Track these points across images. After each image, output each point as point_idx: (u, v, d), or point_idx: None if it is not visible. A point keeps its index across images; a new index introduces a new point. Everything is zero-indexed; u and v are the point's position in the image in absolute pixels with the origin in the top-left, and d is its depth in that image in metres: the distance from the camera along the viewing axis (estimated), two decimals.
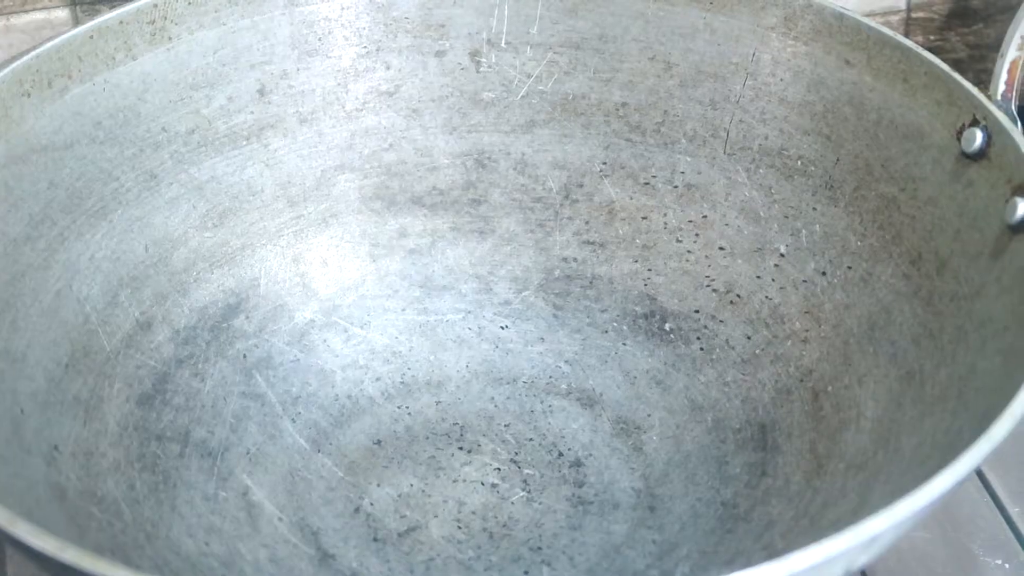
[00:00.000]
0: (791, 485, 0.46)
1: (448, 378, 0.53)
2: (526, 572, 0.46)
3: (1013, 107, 0.59)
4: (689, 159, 0.54)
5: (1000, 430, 0.34)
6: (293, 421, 0.50)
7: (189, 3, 0.52)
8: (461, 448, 0.50)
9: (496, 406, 0.52)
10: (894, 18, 0.69)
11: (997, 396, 0.37)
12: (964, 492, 0.50)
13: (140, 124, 0.51)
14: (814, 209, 0.51)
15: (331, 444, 0.50)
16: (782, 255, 0.52)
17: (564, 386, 0.53)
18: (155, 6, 0.51)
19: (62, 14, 0.61)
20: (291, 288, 0.54)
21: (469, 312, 0.55)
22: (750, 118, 0.53)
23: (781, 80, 0.53)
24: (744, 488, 0.47)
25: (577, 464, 0.50)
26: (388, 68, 0.55)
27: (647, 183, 0.55)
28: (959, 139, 0.46)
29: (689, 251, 0.54)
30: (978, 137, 0.45)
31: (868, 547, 0.32)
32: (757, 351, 0.51)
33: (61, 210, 0.48)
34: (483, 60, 0.56)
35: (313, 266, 0.55)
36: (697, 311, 0.53)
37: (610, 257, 0.55)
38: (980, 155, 0.45)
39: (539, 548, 0.46)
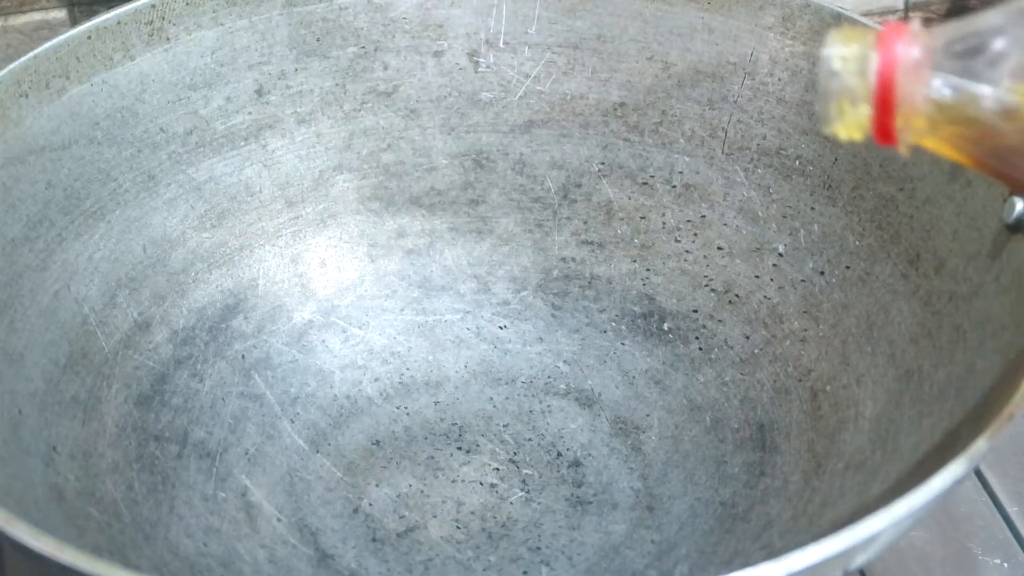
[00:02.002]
0: (789, 485, 0.46)
1: (447, 378, 0.53)
2: (525, 572, 0.46)
3: None
4: (687, 159, 0.54)
5: (998, 430, 0.34)
6: (292, 421, 0.50)
7: (187, 3, 0.52)
8: (460, 448, 0.50)
9: (495, 406, 0.52)
10: (892, 17, 0.69)
11: (995, 395, 0.37)
12: (962, 491, 0.50)
13: (138, 125, 0.51)
14: (812, 209, 0.51)
15: (330, 444, 0.50)
16: (780, 255, 0.52)
17: (563, 386, 0.53)
18: (153, 7, 0.51)
19: (60, 14, 0.61)
20: (289, 288, 0.54)
21: (467, 312, 0.55)
22: (748, 118, 0.53)
23: (779, 80, 0.53)
24: (743, 488, 0.47)
25: (576, 464, 0.50)
26: (386, 68, 0.55)
27: (645, 183, 0.55)
28: None
29: (687, 251, 0.54)
30: None
31: (866, 547, 0.32)
32: (756, 351, 0.51)
33: (59, 211, 0.48)
34: (481, 60, 0.56)
35: (311, 266, 0.55)
36: (696, 311, 0.53)
37: (608, 257, 0.55)
38: None
39: (538, 548, 0.46)
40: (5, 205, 0.46)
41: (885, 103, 0.32)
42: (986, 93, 0.32)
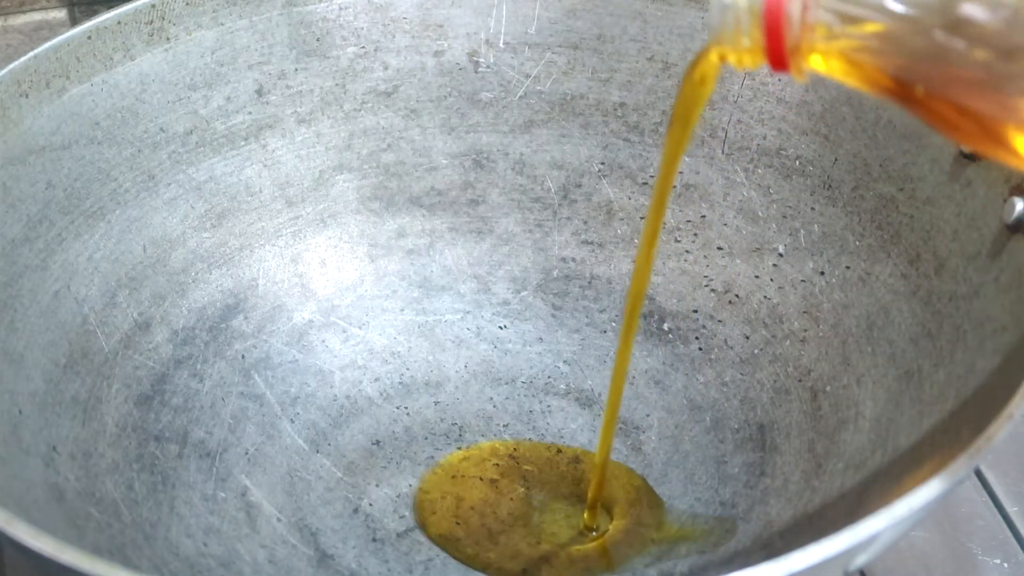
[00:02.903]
0: (790, 485, 0.46)
1: (447, 378, 0.53)
2: (524, 571, 0.46)
3: None
4: (687, 159, 0.54)
5: (998, 430, 0.34)
6: (292, 421, 0.50)
7: (187, 3, 0.52)
8: (460, 448, 0.50)
9: (495, 406, 0.52)
10: None
11: (995, 395, 0.37)
12: (963, 491, 0.50)
13: (138, 124, 0.51)
14: (812, 209, 0.51)
15: (330, 444, 0.50)
16: (780, 255, 0.52)
17: (563, 386, 0.53)
18: (153, 6, 0.51)
19: (60, 14, 0.61)
20: (289, 288, 0.54)
21: (468, 312, 0.55)
22: (748, 118, 0.53)
23: (779, 80, 0.53)
24: (743, 488, 0.47)
25: (576, 462, 0.50)
26: (386, 68, 0.55)
27: (645, 183, 0.55)
28: None
29: (687, 251, 0.54)
30: None
31: (866, 547, 0.32)
32: (756, 351, 0.51)
33: (59, 211, 0.48)
34: (481, 60, 0.56)
35: (311, 266, 0.55)
36: (695, 311, 0.53)
37: (608, 257, 0.55)
38: (978, 155, 0.45)
39: (538, 544, 0.46)
40: (5, 205, 0.46)
41: (774, 30, 0.33)
42: (869, 14, 0.32)
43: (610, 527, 0.46)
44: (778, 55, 0.34)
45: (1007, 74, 0.31)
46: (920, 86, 0.32)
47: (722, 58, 0.35)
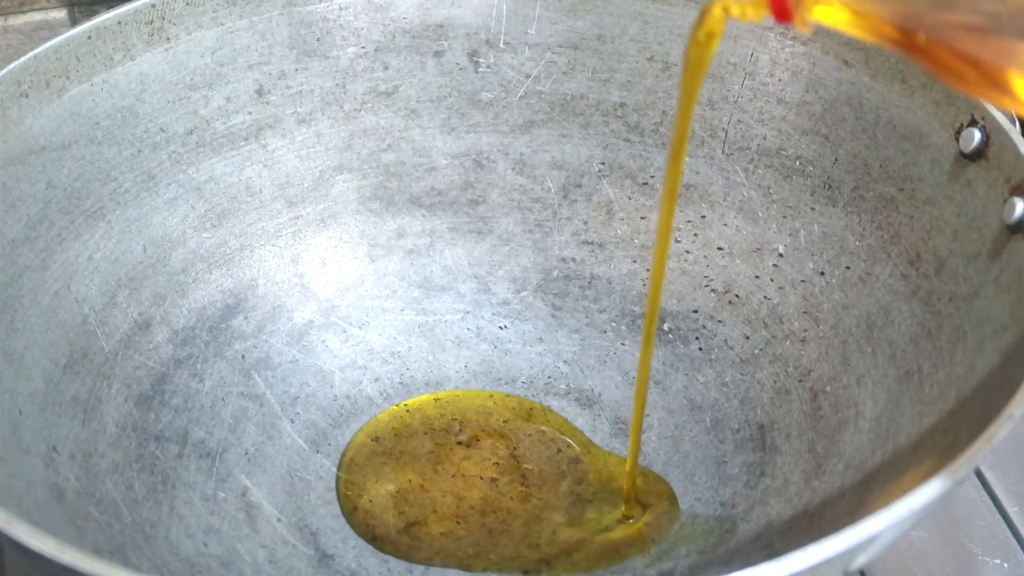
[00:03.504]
0: (790, 485, 0.46)
1: (447, 378, 0.53)
2: (525, 572, 0.46)
3: None
4: (687, 159, 0.54)
5: (999, 430, 0.34)
6: (292, 421, 0.50)
7: (187, 3, 0.52)
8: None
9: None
10: None
11: (995, 396, 0.37)
12: (963, 492, 0.50)
13: (138, 124, 0.51)
14: (812, 209, 0.51)
15: (330, 444, 0.50)
16: (780, 255, 0.52)
17: (563, 386, 0.53)
18: (153, 6, 0.51)
19: (60, 14, 0.61)
20: (289, 288, 0.54)
21: (468, 312, 0.55)
22: (748, 118, 0.53)
23: (779, 80, 0.53)
24: (743, 488, 0.47)
25: (576, 462, 0.50)
26: (386, 68, 0.55)
27: (645, 183, 0.55)
28: (957, 139, 0.46)
29: (687, 251, 0.54)
30: (976, 137, 0.45)
31: (866, 547, 0.32)
32: (756, 351, 0.51)
33: (59, 211, 0.48)
34: (481, 60, 0.56)
35: (311, 266, 0.55)
36: (696, 311, 0.53)
37: (608, 257, 0.55)
38: (978, 155, 0.45)
39: (537, 545, 0.46)
40: (5, 205, 0.46)
41: None
42: None
43: (643, 517, 0.47)
44: (781, 6, 0.34)
45: (1006, 16, 0.31)
46: (922, 34, 0.32)
47: (726, 11, 0.35)
